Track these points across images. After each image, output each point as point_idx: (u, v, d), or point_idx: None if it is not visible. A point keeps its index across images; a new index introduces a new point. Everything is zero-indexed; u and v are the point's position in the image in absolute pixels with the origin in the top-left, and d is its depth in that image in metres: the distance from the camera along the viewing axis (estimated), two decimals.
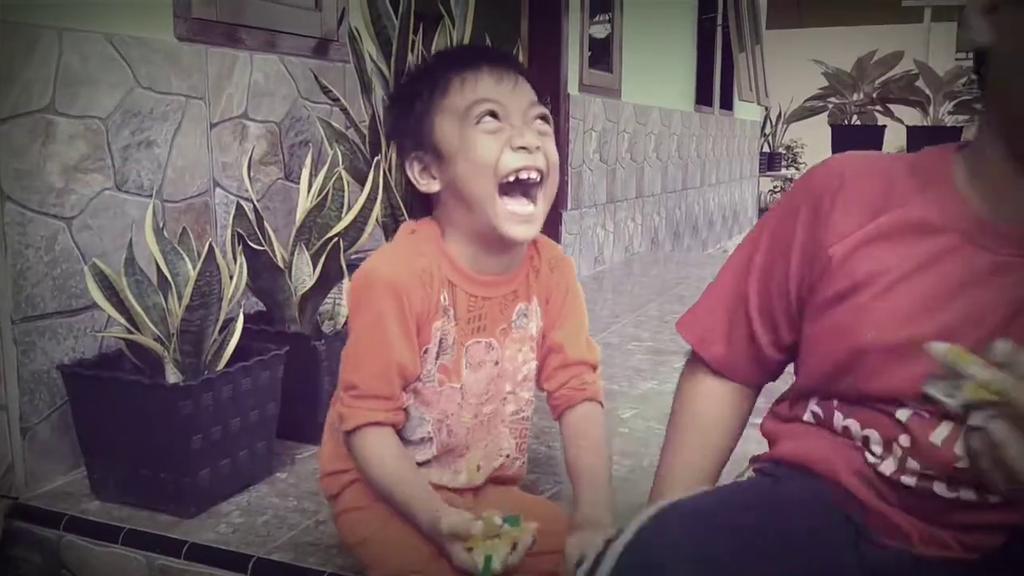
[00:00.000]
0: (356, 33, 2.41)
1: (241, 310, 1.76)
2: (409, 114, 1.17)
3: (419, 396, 1.18)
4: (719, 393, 1.10)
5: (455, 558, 1.03)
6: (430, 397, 1.18)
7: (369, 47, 2.39)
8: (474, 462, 1.23)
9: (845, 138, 4.97)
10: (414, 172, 1.17)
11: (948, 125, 4.86)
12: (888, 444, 0.90)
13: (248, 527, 1.61)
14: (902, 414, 0.88)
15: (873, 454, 0.91)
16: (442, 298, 1.16)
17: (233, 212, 1.89)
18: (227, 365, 1.68)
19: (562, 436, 1.28)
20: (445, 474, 1.22)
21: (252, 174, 2.11)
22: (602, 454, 1.24)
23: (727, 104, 7.13)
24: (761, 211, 9.34)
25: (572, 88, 4.24)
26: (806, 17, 10.08)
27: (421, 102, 1.15)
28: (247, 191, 1.98)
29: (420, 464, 1.19)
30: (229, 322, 1.70)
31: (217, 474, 1.67)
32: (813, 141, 8.73)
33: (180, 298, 1.62)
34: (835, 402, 0.95)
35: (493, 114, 1.11)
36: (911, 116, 4.91)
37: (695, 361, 1.12)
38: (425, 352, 1.16)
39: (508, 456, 1.26)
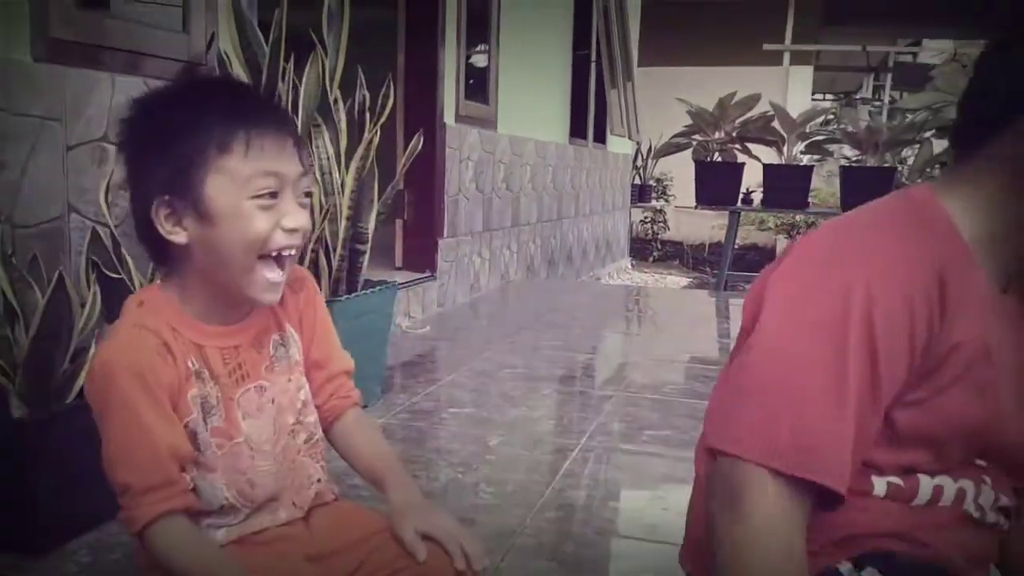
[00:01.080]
0: (225, 57, 2.39)
1: (95, 340, 1.71)
2: (169, 153, 1.06)
3: (202, 467, 1.13)
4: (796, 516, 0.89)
5: None
6: (215, 463, 1.13)
7: (239, 72, 2.37)
8: (288, 500, 1.22)
9: (708, 173, 5.23)
10: (159, 217, 1.06)
11: (801, 164, 5.19)
12: (978, 484, 0.97)
13: (98, 566, 1.56)
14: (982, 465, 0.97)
15: (965, 500, 0.97)
16: (190, 364, 1.12)
17: (88, 238, 1.83)
18: (78, 397, 1.62)
19: (336, 444, 1.27)
20: (264, 520, 1.20)
21: (110, 199, 2.05)
22: (385, 443, 1.27)
23: (600, 137, 7.37)
24: (633, 240, 9.65)
25: (448, 118, 4.30)
26: (675, 56, 10.56)
27: (193, 149, 1.05)
28: (104, 216, 1.93)
29: (236, 524, 1.16)
30: (81, 352, 1.65)
31: (65, 511, 1.61)
32: (680, 174, 9.12)
33: (28, 328, 1.56)
34: (917, 473, 0.95)
35: (273, 191, 1.06)
36: (768, 155, 5.21)
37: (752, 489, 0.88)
38: (187, 424, 1.11)
39: (319, 481, 1.26)
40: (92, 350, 1.65)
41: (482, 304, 4.70)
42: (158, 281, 1.17)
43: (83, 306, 1.64)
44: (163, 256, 1.11)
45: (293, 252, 1.10)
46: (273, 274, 1.09)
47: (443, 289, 4.40)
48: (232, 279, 1.09)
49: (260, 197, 1.05)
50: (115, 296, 1.81)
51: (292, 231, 1.07)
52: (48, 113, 1.99)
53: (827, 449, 0.86)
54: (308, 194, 1.11)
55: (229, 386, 1.15)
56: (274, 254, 1.08)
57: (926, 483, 0.94)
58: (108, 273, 1.78)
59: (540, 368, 3.21)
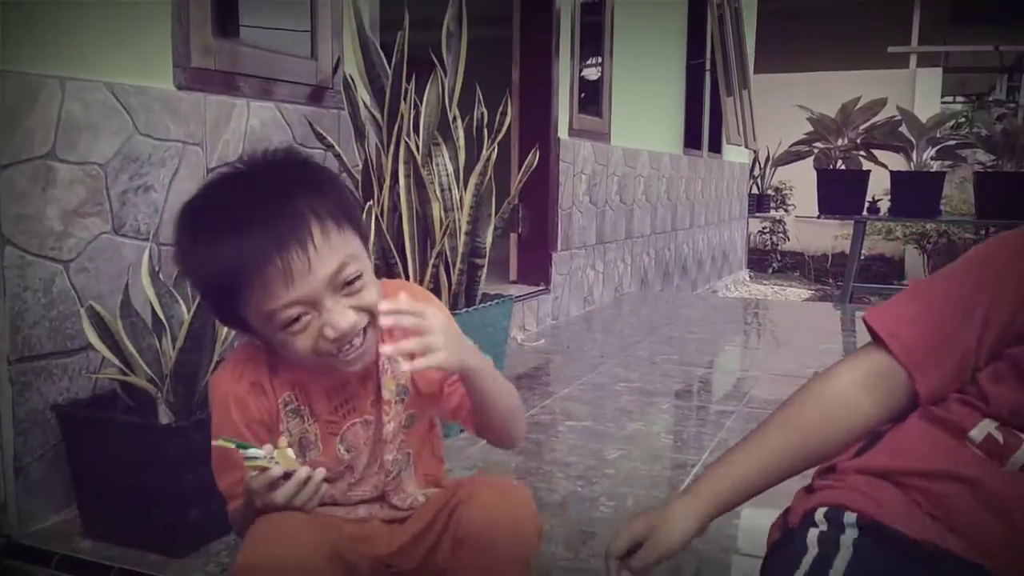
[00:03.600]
0: (350, 81, 2.48)
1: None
2: (194, 285, 1.20)
3: None
4: (891, 382, 1.03)
5: (249, 492, 1.07)
6: None
7: (363, 94, 2.46)
8: (379, 510, 1.28)
9: (831, 182, 5.05)
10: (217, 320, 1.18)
11: (931, 171, 4.95)
12: None
13: None
14: None
15: None
16: (284, 401, 1.17)
17: None
18: None
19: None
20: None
21: None
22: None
23: (716, 147, 7.24)
24: (751, 251, 9.43)
25: (563, 132, 4.32)
26: (793, 62, 10.27)
27: (211, 289, 1.10)
28: None
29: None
30: (222, 363, 1.74)
31: (207, 514, 1.70)
32: (801, 184, 8.85)
33: (174, 340, 1.66)
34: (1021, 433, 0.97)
35: (298, 316, 1.05)
36: (895, 161, 5.00)
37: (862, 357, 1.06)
38: None
39: (417, 499, 1.28)
40: None
41: (596, 317, 4.69)
42: None
43: None
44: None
45: (357, 343, 1.09)
46: (346, 356, 1.10)
47: (557, 302, 4.42)
48: (307, 366, 1.15)
49: (288, 326, 1.06)
50: None
51: (337, 340, 1.07)
52: (189, 138, 2.11)
53: (933, 346, 1.01)
54: (356, 279, 1.07)
55: (335, 422, 1.20)
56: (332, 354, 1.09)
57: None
58: None
59: (656, 382, 3.18)
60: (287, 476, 1.06)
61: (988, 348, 1.00)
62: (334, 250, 1.05)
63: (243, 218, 1.03)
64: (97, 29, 1.89)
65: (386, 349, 1.05)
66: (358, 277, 1.07)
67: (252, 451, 1.05)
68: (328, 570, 1.09)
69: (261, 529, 1.08)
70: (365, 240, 1.15)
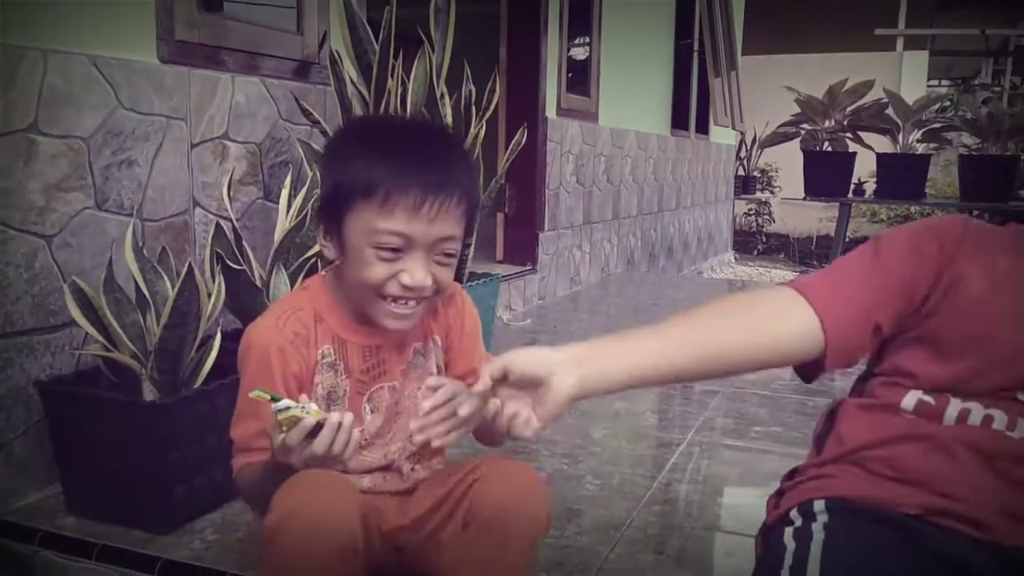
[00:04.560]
0: (337, 56, 2.45)
1: (219, 328, 1.79)
2: (331, 180, 1.19)
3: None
4: (804, 324, 1.06)
5: (284, 448, 1.07)
6: None
7: (349, 70, 2.43)
8: (381, 480, 1.30)
9: (817, 163, 5.05)
10: (320, 230, 1.22)
11: (917, 153, 4.96)
12: (1013, 423, 1.01)
13: (222, 544, 1.63)
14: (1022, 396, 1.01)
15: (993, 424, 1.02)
16: (323, 354, 1.22)
17: (212, 231, 1.92)
18: (204, 383, 1.71)
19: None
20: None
21: (232, 194, 2.14)
22: None
23: (703, 128, 7.23)
24: (736, 232, 9.45)
25: (550, 111, 4.30)
26: (781, 44, 10.26)
27: (346, 187, 1.16)
28: (227, 211, 2.01)
29: None
30: (207, 340, 1.73)
31: (192, 491, 1.69)
32: (787, 165, 8.86)
33: (158, 316, 1.65)
34: (948, 394, 1.03)
35: (396, 247, 1.13)
36: (881, 143, 5.00)
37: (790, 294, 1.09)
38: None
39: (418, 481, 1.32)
40: (217, 338, 1.73)
41: (582, 297, 4.70)
42: (332, 267, 1.27)
43: (209, 296, 1.72)
44: (327, 255, 1.24)
45: (412, 304, 1.17)
46: (397, 307, 1.17)
47: (544, 282, 4.42)
48: (360, 300, 1.20)
49: (382, 249, 1.13)
50: (237, 286, 1.89)
51: (407, 287, 1.14)
52: (173, 112, 2.09)
53: (838, 301, 1.06)
54: (450, 255, 1.17)
55: (364, 382, 1.24)
56: (391, 299, 1.16)
57: (955, 404, 1.02)
58: (231, 264, 1.86)
59: None
60: (319, 428, 1.06)
61: (888, 316, 1.06)
62: (455, 222, 1.16)
63: (422, 148, 1.18)
64: (80, 1, 1.86)
65: (417, 438, 1.08)
66: (452, 255, 1.18)
67: (284, 402, 1.04)
68: (359, 531, 1.09)
69: (299, 481, 1.08)
70: (466, 235, 1.22)
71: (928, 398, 1.04)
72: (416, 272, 1.14)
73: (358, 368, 1.24)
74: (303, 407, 1.05)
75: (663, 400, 2.81)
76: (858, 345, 1.08)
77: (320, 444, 1.05)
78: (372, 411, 1.25)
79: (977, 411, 1.02)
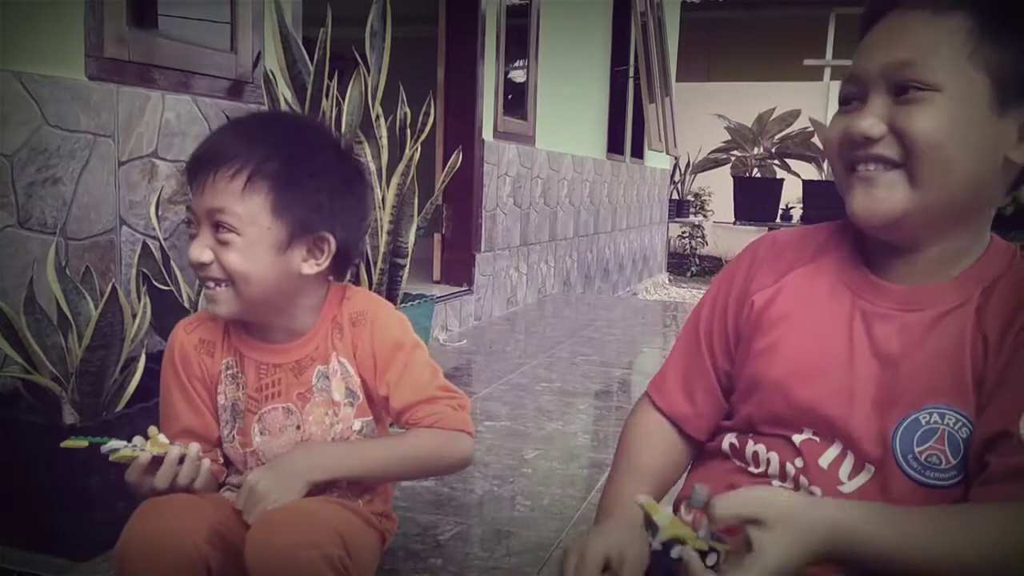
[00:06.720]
0: (271, 76, 2.45)
1: (144, 349, 1.76)
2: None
3: (228, 456, 1.26)
4: (667, 439, 1.14)
5: (129, 484, 1.11)
6: (236, 458, 1.25)
7: (284, 90, 2.42)
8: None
9: (746, 189, 5.20)
10: None
11: None
12: (783, 465, 0.99)
13: None
14: (797, 439, 0.98)
15: (772, 477, 1.00)
16: (226, 365, 1.23)
17: (139, 251, 1.89)
18: (127, 406, 1.67)
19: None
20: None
21: (160, 213, 2.11)
22: (391, 441, 1.29)
23: (638, 153, 7.36)
24: (671, 254, 9.62)
25: (487, 134, 4.34)
26: (714, 72, 10.53)
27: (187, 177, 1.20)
28: (154, 230, 1.98)
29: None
30: (131, 362, 1.70)
31: (114, 516, 1.65)
32: (719, 190, 9.07)
33: (80, 338, 1.61)
34: (750, 434, 1.03)
35: (189, 222, 1.15)
36: (807, 171, 5.18)
37: (648, 410, 1.17)
38: (220, 415, 1.23)
39: None
40: (142, 360, 1.69)
41: (519, 318, 4.72)
42: None
43: (134, 317, 1.69)
44: None
45: (210, 285, 1.14)
46: (207, 291, 1.16)
47: (480, 303, 4.43)
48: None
49: (188, 225, 1.16)
50: (164, 307, 1.86)
51: (191, 264, 1.14)
52: (100, 130, 2.05)
53: (667, 371, 1.15)
54: (230, 230, 1.11)
55: (258, 400, 1.22)
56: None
57: (750, 446, 1.02)
58: (158, 285, 1.83)
59: (576, 383, 3.22)
60: (160, 461, 1.07)
61: (723, 370, 1.09)
62: (230, 195, 1.10)
63: (229, 127, 1.22)
64: (6, 16, 1.82)
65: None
66: (228, 231, 1.11)
67: (111, 443, 1.05)
68: (207, 550, 1.07)
69: (141, 509, 1.09)
70: (296, 230, 1.14)
71: (735, 440, 1.04)
72: (193, 247, 1.12)
73: (253, 385, 1.22)
74: (134, 445, 1.06)
75: (596, 421, 2.84)
76: (704, 412, 1.10)
77: (161, 479, 1.07)
78: (262, 432, 1.21)
79: (762, 453, 1.01)
